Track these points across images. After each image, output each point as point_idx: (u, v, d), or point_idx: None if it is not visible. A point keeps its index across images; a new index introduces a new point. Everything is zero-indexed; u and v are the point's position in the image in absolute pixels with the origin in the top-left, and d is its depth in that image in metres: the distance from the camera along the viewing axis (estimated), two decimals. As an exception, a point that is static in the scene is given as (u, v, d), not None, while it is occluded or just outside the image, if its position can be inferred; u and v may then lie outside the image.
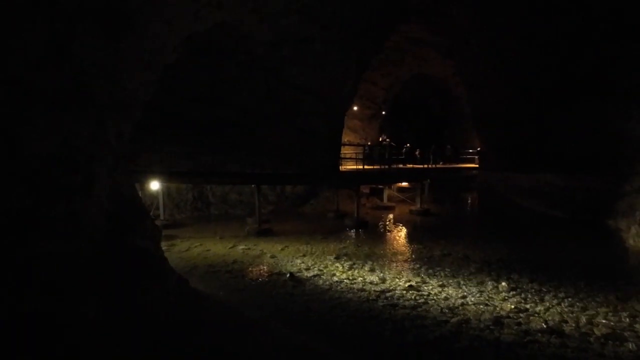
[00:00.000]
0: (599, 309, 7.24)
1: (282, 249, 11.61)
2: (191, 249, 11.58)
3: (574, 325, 6.59)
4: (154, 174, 13.92)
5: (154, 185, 14.50)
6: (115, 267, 4.60)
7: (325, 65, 16.43)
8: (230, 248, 11.71)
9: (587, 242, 12.88)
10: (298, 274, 9.20)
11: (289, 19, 14.59)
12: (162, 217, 15.04)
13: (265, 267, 9.88)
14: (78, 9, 4.07)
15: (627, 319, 6.79)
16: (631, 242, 12.24)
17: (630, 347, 5.86)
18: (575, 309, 7.26)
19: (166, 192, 16.24)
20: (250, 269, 9.76)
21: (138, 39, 5.51)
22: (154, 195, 15.64)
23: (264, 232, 13.71)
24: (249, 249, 11.66)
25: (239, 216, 16.81)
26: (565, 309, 7.25)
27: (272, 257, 10.78)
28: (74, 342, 3.12)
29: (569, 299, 7.74)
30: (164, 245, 10.83)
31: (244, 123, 16.61)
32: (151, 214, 14.11)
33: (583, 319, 6.79)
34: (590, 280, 8.83)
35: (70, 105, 4.27)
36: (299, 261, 10.35)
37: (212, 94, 16.21)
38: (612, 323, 6.65)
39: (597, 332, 6.33)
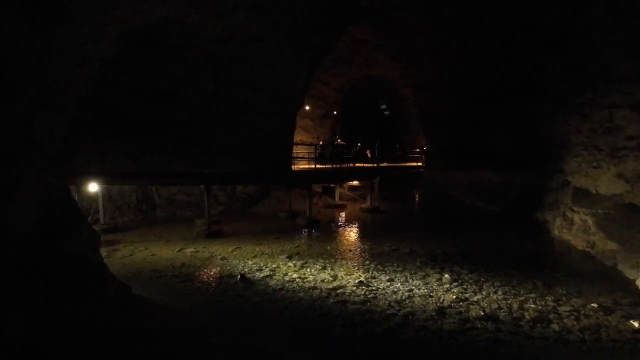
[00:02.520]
0: (528, 295, 7.95)
1: (233, 251, 11.40)
2: (135, 254, 10.99)
3: (507, 310, 7.17)
4: (92, 175, 12.92)
5: (93, 187, 13.52)
6: (46, 277, 4.24)
7: (277, 63, 16.25)
8: (177, 251, 11.27)
9: (519, 234, 14.06)
10: (249, 275, 9.08)
11: (239, 15, 14.26)
12: (102, 221, 14.14)
13: (215, 270, 9.64)
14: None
15: (552, 303, 7.55)
16: (556, 232, 13.54)
17: (555, 328, 6.50)
18: (509, 296, 7.90)
19: (107, 194, 15.27)
20: (199, 272, 9.47)
21: (70, 29, 5.10)
22: (93, 198, 14.64)
23: (214, 234, 13.36)
24: (197, 251, 11.30)
25: (188, 218, 16.26)
26: (500, 297, 7.87)
27: (223, 259, 10.55)
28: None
29: (504, 287, 8.43)
30: (104, 250, 10.25)
31: (191, 121, 15.99)
32: (90, 218, 13.22)
33: (515, 305, 7.42)
34: (521, 269, 9.70)
35: (-11, 99, 3.87)
36: (250, 262, 10.22)
37: (158, 90, 15.37)
38: (539, 307, 7.35)
39: (527, 316, 6.95)
